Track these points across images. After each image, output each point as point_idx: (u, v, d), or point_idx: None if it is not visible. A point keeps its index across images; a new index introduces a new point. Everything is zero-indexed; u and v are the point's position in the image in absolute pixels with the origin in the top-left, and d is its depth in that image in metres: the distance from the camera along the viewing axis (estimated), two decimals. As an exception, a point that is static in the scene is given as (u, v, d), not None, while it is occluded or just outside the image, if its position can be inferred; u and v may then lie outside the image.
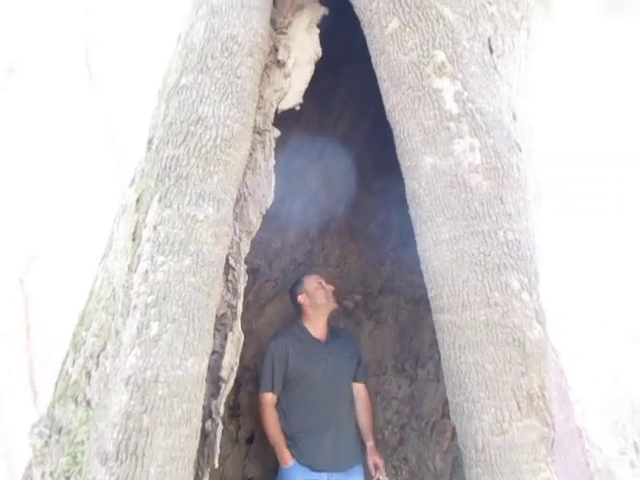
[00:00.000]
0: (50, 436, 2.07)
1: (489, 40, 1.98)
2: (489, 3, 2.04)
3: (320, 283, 2.79)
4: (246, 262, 2.06)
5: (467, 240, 1.77)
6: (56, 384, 2.28)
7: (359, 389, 2.85)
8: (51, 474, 2.02)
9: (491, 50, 1.97)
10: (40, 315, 5.82)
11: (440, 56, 1.84)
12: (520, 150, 1.96)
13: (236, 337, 1.93)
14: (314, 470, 2.62)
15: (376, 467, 2.70)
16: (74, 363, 2.21)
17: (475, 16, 1.96)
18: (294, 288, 2.84)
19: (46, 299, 6.06)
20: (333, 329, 2.88)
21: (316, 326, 2.78)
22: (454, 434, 2.65)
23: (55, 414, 2.13)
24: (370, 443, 2.77)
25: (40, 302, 5.94)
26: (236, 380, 2.03)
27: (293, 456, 2.63)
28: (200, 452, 1.79)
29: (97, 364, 2.07)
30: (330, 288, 2.79)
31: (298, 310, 2.83)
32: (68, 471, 1.98)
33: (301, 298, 2.78)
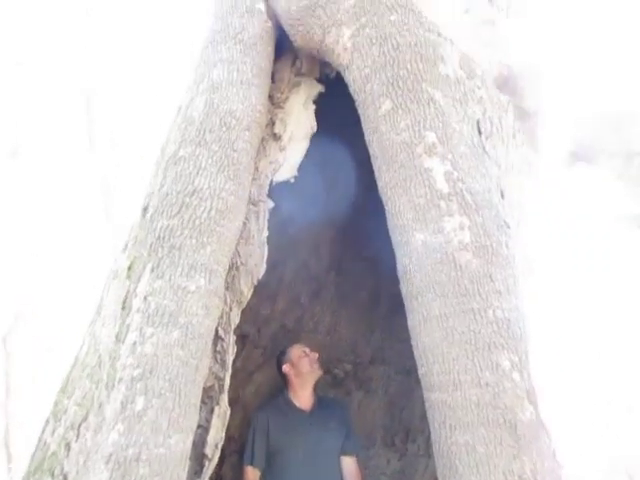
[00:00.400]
0: (22, 513, 1.97)
1: (478, 122, 2.06)
2: (478, 87, 2.14)
3: (304, 352, 2.76)
4: (235, 328, 2.04)
5: (457, 317, 1.77)
6: (33, 455, 2.19)
7: (348, 464, 2.69)
8: None
9: (480, 132, 2.05)
10: (21, 376, 5.66)
11: (431, 137, 1.91)
12: (509, 227, 2.00)
13: (222, 411, 1.89)
14: None
15: None
16: (54, 433, 2.13)
17: (464, 100, 2.05)
18: (279, 358, 2.80)
19: (28, 360, 5.91)
20: (322, 399, 2.80)
21: (301, 396, 2.71)
22: (445, 514, 2.56)
23: (29, 488, 2.04)
24: None
25: (22, 363, 5.79)
26: (220, 451, 1.96)
27: None
28: (180, 534, 1.71)
29: (78, 435, 2.00)
30: (314, 356, 2.75)
31: (284, 380, 2.77)
32: None
33: (285, 367, 2.73)
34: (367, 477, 3.06)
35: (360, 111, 2.11)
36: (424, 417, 2.74)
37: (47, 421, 2.22)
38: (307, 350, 2.77)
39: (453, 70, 2.06)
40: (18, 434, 5.69)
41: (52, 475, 2.01)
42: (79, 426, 2.01)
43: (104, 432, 1.62)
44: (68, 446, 2.02)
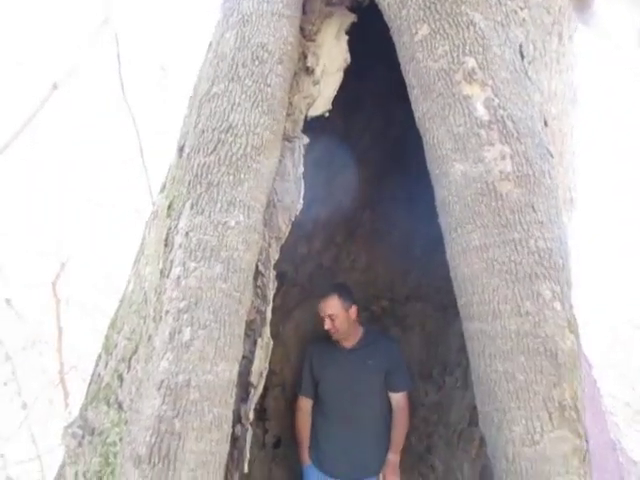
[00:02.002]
0: (83, 437, 2.11)
1: (520, 46, 1.96)
2: (520, 8, 2.03)
3: (322, 319, 2.70)
4: (274, 267, 2.08)
5: (497, 248, 1.75)
6: (88, 386, 2.32)
7: (396, 400, 2.76)
8: (84, 474, 2.07)
9: (522, 56, 1.96)
10: (71, 319, 5.95)
11: (470, 62, 1.83)
12: (552, 157, 1.93)
13: (265, 343, 1.95)
14: (327, 475, 2.65)
15: None
16: (106, 366, 2.25)
17: (506, 22, 1.94)
18: None
19: (77, 304, 6.19)
20: (371, 336, 2.81)
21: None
22: (482, 442, 2.63)
23: (88, 416, 2.18)
24: (390, 456, 2.71)
25: (71, 307, 6.07)
26: (263, 385, 2.04)
27: (311, 458, 2.68)
28: (229, 456, 1.81)
29: (129, 367, 2.11)
30: (328, 326, 2.68)
31: None
32: (100, 471, 2.01)
33: None
34: (409, 406, 3.14)
35: (395, 38, 2.03)
36: (461, 351, 2.80)
37: (99, 356, 2.34)
38: (325, 316, 2.69)
39: (494, -10, 1.95)
40: (72, 373, 6.05)
41: (108, 404, 2.14)
42: (130, 359, 2.12)
43: (154, 361, 1.70)
44: (120, 377, 2.13)
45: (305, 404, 2.75)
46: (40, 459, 5.14)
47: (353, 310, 2.72)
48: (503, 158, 1.77)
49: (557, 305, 1.73)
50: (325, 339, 2.81)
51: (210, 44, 2.31)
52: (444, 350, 3.18)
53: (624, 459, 2.14)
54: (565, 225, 1.93)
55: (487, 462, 2.13)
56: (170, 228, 1.91)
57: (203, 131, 1.94)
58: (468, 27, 1.86)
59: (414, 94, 1.94)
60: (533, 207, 1.77)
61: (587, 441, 1.70)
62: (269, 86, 1.98)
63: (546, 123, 1.99)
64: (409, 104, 1.98)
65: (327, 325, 2.67)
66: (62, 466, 2.23)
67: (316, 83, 2.24)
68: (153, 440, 1.59)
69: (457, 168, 1.80)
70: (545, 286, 1.73)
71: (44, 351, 6.30)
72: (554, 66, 2.18)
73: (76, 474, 2.11)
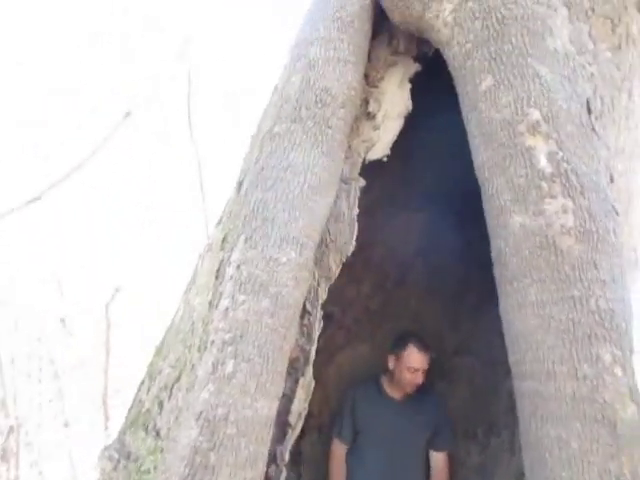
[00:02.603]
0: (119, 461, 2.11)
1: (587, 101, 1.93)
2: (589, 64, 2.00)
3: (415, 370, 2.60)
4: (321, 307, 2.07)
5: (555, 305, 1.68)
6: (129, 410, 2.35)
7: (437, 459, 2.68)
8: (116, 500, 2.06)
9: (589, 111, 1.92)
10: (120, 344, 6.10)
11: (535, 114, 1.81)
12: (617, 214, 1.86)
13: (307, 382, 1.92)
14: None
15: None
16: (148, 392, 2.27)
17: (574, 77, 1.92)
18: (394, 343, 2.69)
19: (127, 329, 6.35)
20: (420, 388, 2.71)
21: (392, 387, 2.70)
22: (528, 513, 2.46)
23: (125, 440, 2.19)
24: None
25: (121, 331, 6.23)
26: (300, 427, 2.00)
27: None
28: (262, 498, 1.77)
29: (170, 395, 2.12)
30: (419, 379, 2.60)
31: (385, 363, 2.73)
32: (132, 499, 2.01)
33: (391, 360, 2.66)
34: (450, 467, 3.01)
35: (459, 89, 2.04)
36: (509, 411, 2.66)
37: (143, 381, 2.37)
38: (420, 370, 2.60)
39: (562, 44, 1.94)
40: (115, 397, 6.15)
41: (146, 430, 2.15)
42: (172, 387, 2.13)
43: (195, 391, 1.70)
44: (161, 404, 2.14)
45: (341, 450, 2.66)
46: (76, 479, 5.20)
47: None
48: (565, 212, 1.71)
49: (618, 370, 1.63)
50: (369, 385, 2.74)
51: (276, 87, 2.39)
52: (492, 408, 3.03)
53: None
54: (629, 287, 1.84)
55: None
56: (222, 260, 1.95)
57: (263, 168, 1.99)
58: (533, 79, 1.85)
59: (475, 144, 1.93)
60: (595, 264, 1.69)
61: (647, 523, 1.56)
62: (330, 128, 2.02)
63: (612, 179, 1.93)
64: (467, 153, 1.98)
65: (419, 379, 2.59)
66: (96, 489, 2.24)
67: (376, 128, 2.28)
68: (187, 472, 1.58)
69: (516, 220, 1.76)
70: (605, 349, 1.63)
71: (90, 373, 6.45)
72: (622, 123, 2.13)
73: (109, 499, 2.11)
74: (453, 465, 2.87)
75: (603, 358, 1.62)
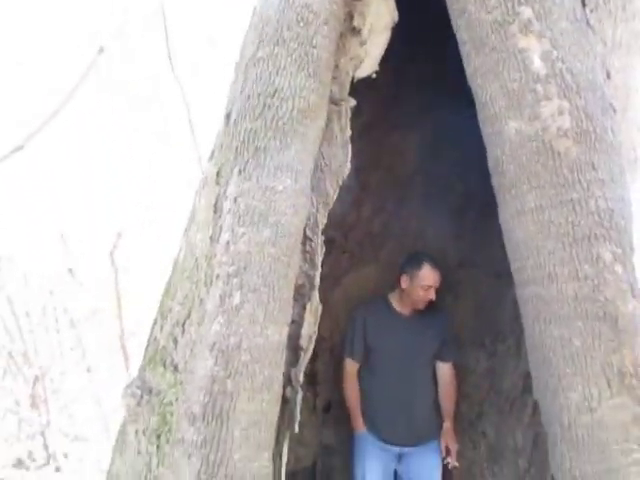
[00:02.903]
0: (142, 396, 2.20)
1: (581, -8, 1.84)
2: (582, -48, 1.89)
3: (427, 289, 2.65)
4: (322, 233, 2.07)
5: (554, 209, 1.68)
6: (146, 349, 2.42)
7: (444, 369, 2.79)
8: (143, 432, 2.16)
9: (583, 4, 1.83)
10: (129, 288, 6.20)
11: (526, 13, 1.73)
12: (614, 112, 1.82)
13: (314, 307, 1.96)
14: (385, 442, 2.65)
15: (447, 450, 2.68)
16: (162, 330, 2.33)
17: (566, -33, 1.82)
18: (408, 263, 2.72)
19: (133, 273, 6.44)
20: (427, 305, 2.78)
21: (401, 304, 2.76)
22: (535, 411, 2.58)
23: (146, 377, 2.27)
24: (447, 424, 2.74)
25: (128, 275, 6.32)
26: (313, 350, 2.06)
27: (366, 425, 2.68)
28: (280, 418, 1.85)
29: (183, 331, 2.17)
30: (431, 297, 2.66)
31: (393, 281, 2.78)
32: (158, 429, 2.10)
33: (404, 279, 2.69)
34: (456, 376, 3.13)
35: (446, -8, 1.94)
36: (514, 319, 2.72)
37: (155, 320, 2.43)
38: (432, 287, 2.66)
39: None
40: (131, 340, 6.33)
41: (164, 365, 2.22)
42: (183, 323, 2.18)
43: (206, 324, 1.74)
44: (175, 340, 2.20)
45: (353, 368, 2.75)
46: (104, 419, 5.45)
47: None
48: (561, 114, 1.67)
49: (618, 268, 1.65)
50: (377, 303, 2.80)
51: (255, 8, 2.27)
52: (497, 317, 3.11)
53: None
54: (628, 185, 1.83)
55: (540, 430, 2.10)
56: (219, 194, 1.94)
57: (249, 96, 1.93)
58: (524, -26, 1.75)
59: (465, 50, 1.86)
60: (593, 165, 1.67)
61: (649, 409, 1.63)
62: (315, 48, 1.94)
63: (609, 76, 1.87)
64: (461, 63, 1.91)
65: (432, 296, 2.66)
66: (124, 424, 2.34)
67: (363, 44, 2.18)
68: (207, 399, 1.65)
69: (511, 126, 1.73)
70: (605, 248, 1.65)
71: (105, 319, 6.62)
72: (619, 14, 2.03)
73: (136, 432, 2.21)
74: (459, 374, 2.99)
75: (603, 257, 1.64)
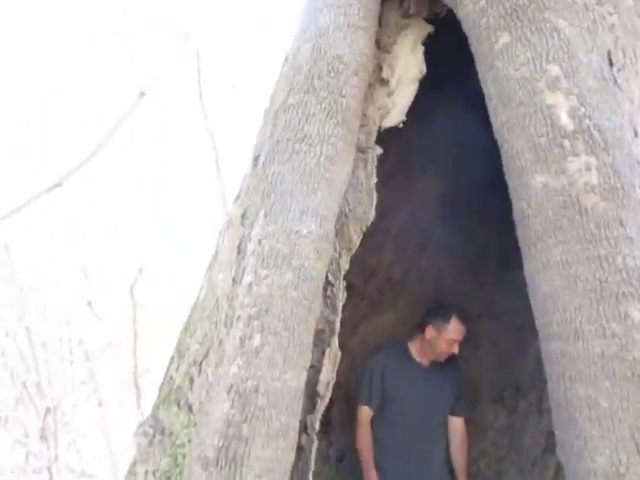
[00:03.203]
0: (154, 436, 2.17)
1: (609, 53, 1.86)
2: (609, 14, 1.93)
3: (454, 342, 2.64)
4: (344, 278, 2.07)
5: (581, 265, 1.65)
6: (161, 387, 2.40)
7: (457, 424, 2.73)
8: (153, 473, 2.13)
9: (611, 63, 1.85)
10: (147, 324, 6.22)
11: (554, 70, 1.75)
12: (642, 169, 1.81)
13: (333, 353, 1.94)
14: None
15: None
16: (178, 368, 2.32)
17: (594, 28, 1.85)
18: (435, 315, 2.70)
19: (153, 309, 6.46)
20: None
21: (421, 354, 2.72)
22: (558, 472, 2.48)
23: (159, 416, 2.25)
24: None
25: (147, 311, 6.35)
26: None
27: (379, 478, 2.60)
28: (294, 467, 1.80)
29: (199, 371, 2.16)
30: (455, 350, 2.65)
31: (414, 329, 2.75)
32: (169, 471, 2.07)
33: (429, 330, 2.66)
34: (474, 432, 3.04)
35: (473, 49, 1.98)
36: (536, 374, 2.66)
37: (172, 358, 2.42)
38: (459, 340, 2.65)
39: (581, -5, 1.87)
40: (145, 376, 6.30)
41: (178, 405, 2.20)
42: (201, 362, 2.17)
43: (225, 366, 1.73)
44: (191, 380, 2.19)
45: (368, 416, 2.68)
46: (113, 456, 5.36)
47: None
48: (588, 169, 1.67)
49: (647, 327, 1.61)
50: (396, 351, 2.76)
51: (286, 58, 2.35)
52: (517, 372, 3.05)
53: None
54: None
55: (564, 493, 2.01)
56: (243, 236, 1.96)
57: (278, 141, 1.97)
58: (552, 34, 1.79)
59: (492, 104, 1.88)
60: (621, 222, 1.65)
61: (680, 478, 1.56)
62: (344, 97, 1.99)
63: (636, 134, 1.87)
64: (485, 114, 1.93)
65: (456, 350, 2.64)
66: (133, 464, 2.30)
67: (390, 94, 2.23)
68: (221, 444, 1.62)
69: (538, 180, 1.73)
70: (634, 307, 1.61)
71: (120, 353, 6.61)
72: (646, 74, 2.05)
73: (146, 473, 2.17)
74: (477, 430, 2.91)
75: (632, 315, 1.60)
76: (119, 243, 7.18)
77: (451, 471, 2.71)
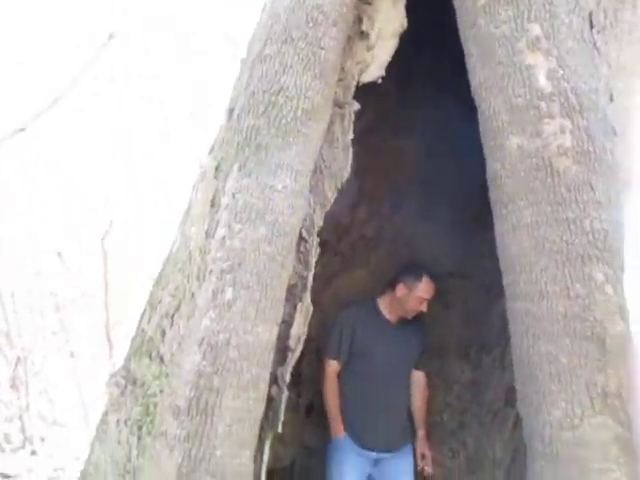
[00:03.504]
0: (126, 386, 2.19)
1: (590, 14, 1.85)
2: (593, -26, 1.91)
3: (425, 300, 2.69)
4: (317, 235, 2.07)
5: (549, 227, 1.69)
6: (132, 339, 2.41)
7: (419, 377, 2.83)
8: (125, 422, 2.15)
9: (592, 25, 1.85)
10: (117, 276, 6.17)
11: (535, 30, 1.74)
12: (615, 134, 1.84)
13: (305, 307, 1.96)
14: (363, 447, 2.66)
15: (423, 457, 2.70)
16: (150, 321, 2.32)
17: (576, -12, 1.83)
18: (406, 274, 2.73)
19: (123, 261, 6.40)
20: None
21: (390, 310, 2.77)
22: (516, 424, 2.60)
23: (131, 367, 2.26)
24: (421, 432, 2.77)
25: (118, 264, 6.29)
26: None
27: (345, 429, 2.68)
28: (264, 417, 1.85)
29: (172, 324, 2.16)
30: (424, 309, 2.71)
31: (385, 286, 2.79)
32: (140, 420, 2.10)
33: (400, 288, 2.70)
34: (440, 385, 3.15)
35: (456, 4, 1.95)
36: (501, 332, 2.75)
37: (144, 311, 2.42)
38: (428, 299, 2.70)
39: (565, -46, 1.83)
40: (118, 328, 6.30)
41: (150, 357, 2.21)
42: (173, 315, 2.17)
43: (196, 319, 1.74)
44: (163, 332, 2.19)
45: (335, 370, 2.74)
46: (85, 406, 5.42)
47: None
48: (563, 132, 1.69)
49: (609, 289, 1.67)
50: (365, 307, 2.80)
51: (265, 5, 2.27)
52: (484, 329, 3.12)
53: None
54: (622, 207, 1.85)
55: (520, 444, 2.11)
56: (217, 189, 1.93)
57: (254, 93, 1.93)
58: (535, -8, 1.76)
59: (472, 62, 1.87)
60: (591, 186, 1.69)
61: (630, 431, 1.65)
62: (322, 49, 1.94)
63: (612, 98, 1.88)
64: (465, 76, 1.92)
65: (425, 308, 2.70)
66: (105, 413, 2.33)
67: (370, 48, 2.18)
68: (192, 394, 1.64)
69: (513, 141, 1.74)
70: (597, 269, 1.66)
71: (92, 305, 6.57)
72: (625, 37, 2.05)
73: (118, 422, 2.20)
74: (443, 384, 3.02)
75: (595, 277, 1.66)
76: (89, 195, 7.03)
77: (411, 422, 2.81)
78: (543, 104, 1.70)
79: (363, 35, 2.18)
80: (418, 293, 2.67)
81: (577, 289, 1.66)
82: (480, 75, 1.82)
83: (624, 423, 1.64)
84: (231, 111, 2.10)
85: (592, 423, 1.63)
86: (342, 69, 2.10)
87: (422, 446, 2.73)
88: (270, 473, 3.01)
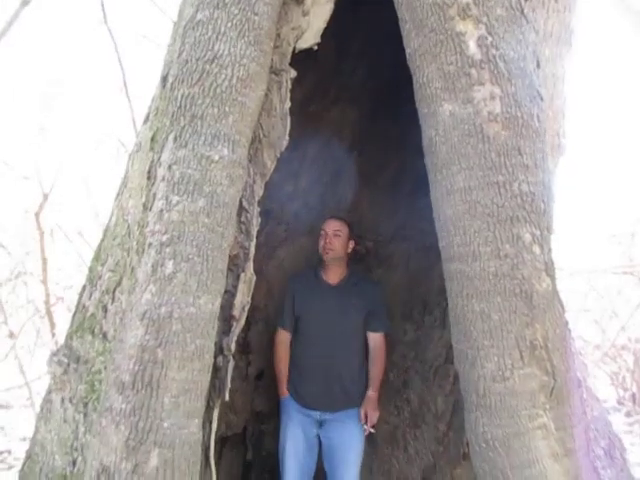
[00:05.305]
0: (69, 365, 2.16)
1: (518, -19, 1.89)
2: (521, -60, 1.94)
3: (323, 231, 2.77)
4: (259, 205, 2.07)
5: (481, 191, 1.76)
6: (73, 316, 2.36)
7: (374, 339, 2.84)
8: (70, 400, 2.13)
9: (519, -8, 1.89)
10: (56, 251, 5.95)
11: (465, -3, 1.77)
12: (542, 100, 1.91)
13: (248, 277, 1.97)
14: (305, 407, 2.74)
15: (365, 416, 2.74)
16: (91, 297, 2.28)
17: (505, -45, 1.86)
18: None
19: (61, 235, 6.16)
20: (355, 277, 2.86)
21: (328, 271, 2.81)
22: (456, 379, 2.73)
23: (73, 345, 2.22)
24: (370, 393, 2.79)
25: (55, 238, 6.05)
26: (247, 319, 2.08)
27: (288, 390, 2.75)
28: (212, 386, 1.87)
29: (113, 299, 2.13)
30: (330, 246, 2.73)
31: None
32: (86, 397, 2.08)
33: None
34: (387, 347, 3.24)
35: (390, -30, 1.94)
36: (441, 291, 2.84)
37: (84, 287, 2.36)
38: (329, 234, 2.74)
39: None
40: (58, 304, 6.11)
41: (92, 333, 2.18)
42: (114, 290, 2.14)
43: (137, 293, 1.72)
44: (105, 308, 2.16)
45: (285, 337, 2.80)
46: (28, 386, 5.27)
47: (351, 245, 2.82)
48: (492, 99, 1.74)
49: (536, 249, 1.76)
50: (307, 274, 2.84)
51: (196, -33, 2.19)
52: (425, 290, 3.24)
53: (588, 396, 2.25)
54: (550, 170, 1.93)
55: (459, 398, 2.23)
56: (153, 161, 1.89)
57: (187, 61, 1.87)
58: (465, -42, 1.78)
59: (406, 29, 1.88)
60: (519, 150, 1.76)
61: (555, 378, 1.78)
62: (256, 15, 1.90)
63: (539, 65, 1.95)
64: (401, 43, 1.93)
65: (328, 240, 2.74)
66: (49, 392, 2.29)
67: (305, 14, 2.15)
68: (136, 368, 1.64)
69: (446, 108, 1.78)
70: (525, 229, 1.75)
71: (30, 282, 6.33)
72: (552, 5, 2.12)
73: (62, 400, 2.17)
74: (389, 345, 3.11)
75: (523, 238, 1.75)
76: (21, 165, 6.68)
77: (362, 384, 2.85)
78: (474, 71, 1.75)
79: (298, 0, 2.14)
80: (320, 231, 2.79)
81: (506, 249, 1.74)
82: (414, 42, 1.84)
83: (550, 372, 1.76)
84: (164, 78, 2.04)
85: (521, 374, 1.74)
86: (277, 35, 2.07)
87: (366, 405, 2.75)
88: (223, 440, 3.08)
